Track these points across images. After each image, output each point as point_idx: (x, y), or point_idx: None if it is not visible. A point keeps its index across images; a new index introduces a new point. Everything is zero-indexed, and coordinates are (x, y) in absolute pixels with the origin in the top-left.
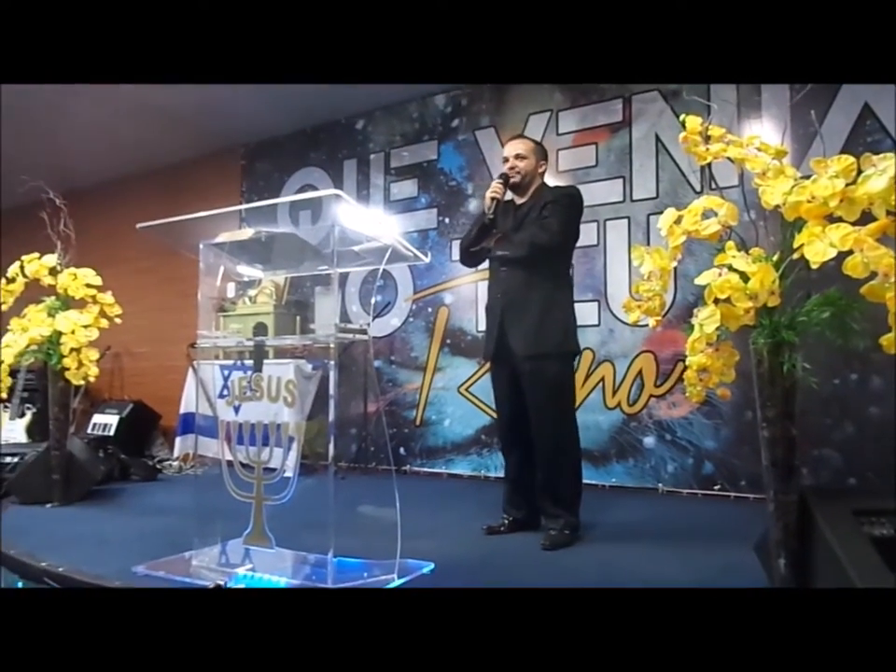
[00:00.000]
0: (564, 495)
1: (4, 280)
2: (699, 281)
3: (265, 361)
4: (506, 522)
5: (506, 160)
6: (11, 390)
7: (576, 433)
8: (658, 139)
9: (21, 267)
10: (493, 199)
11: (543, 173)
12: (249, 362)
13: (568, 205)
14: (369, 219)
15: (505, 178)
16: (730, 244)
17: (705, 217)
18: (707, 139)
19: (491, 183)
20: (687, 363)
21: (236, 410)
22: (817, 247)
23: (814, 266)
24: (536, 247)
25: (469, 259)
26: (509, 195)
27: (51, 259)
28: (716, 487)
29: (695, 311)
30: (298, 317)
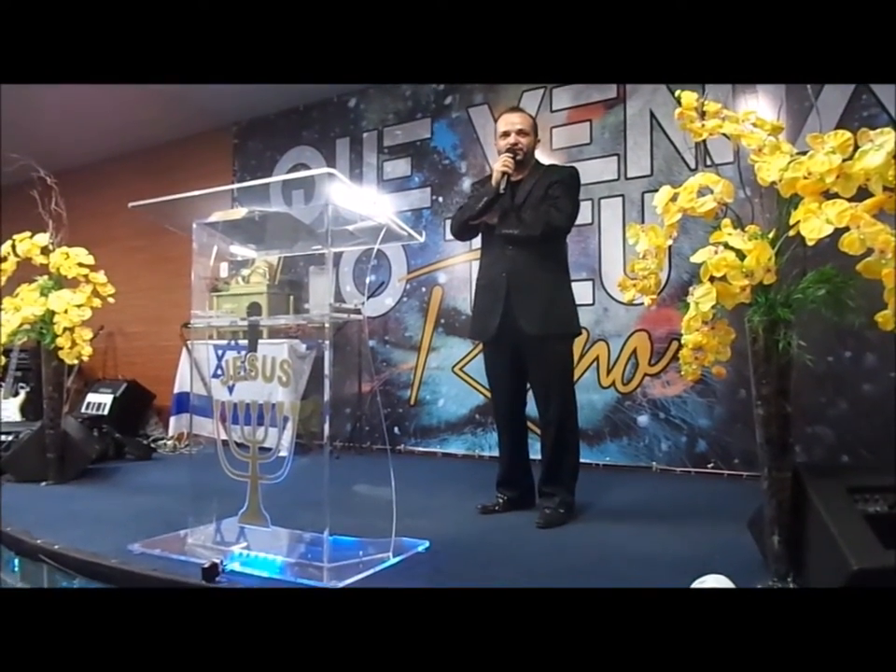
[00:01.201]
0: (563, 473)
1: None
2: (695, 259)
3: (259, 341)
4: (500, 501)
5: (506, 133)
6: (5, 369)
7: (577, 413)
8: (653, 116)
9: (13, 246)
10: (503, 173)
11: (536, 149)
12: (243, 342)
13: (575, 186)
14: (362, 199)
15: (514, 153)
16: (726, 221)
17: (700, 194)
18: (703, 115)
19: (500, 158)
20: (682, 342)
21: (230, 389)
22: (813, 224)
23: (810, 243)
24: (552, 228)
25: (467, 233)
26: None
27: (43, 238)
28: (709, 465)
29: (691, 289)
30: (291, 297)
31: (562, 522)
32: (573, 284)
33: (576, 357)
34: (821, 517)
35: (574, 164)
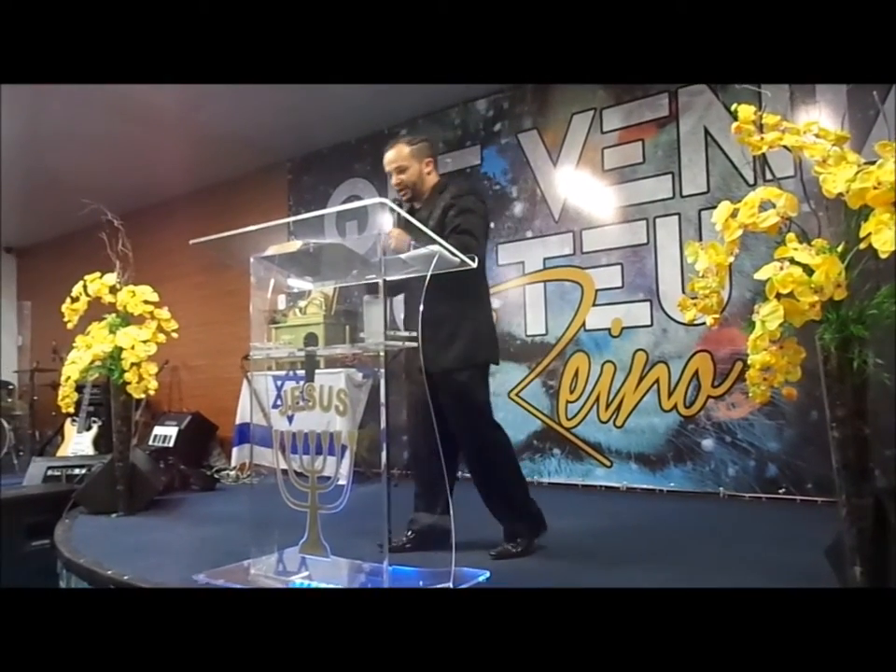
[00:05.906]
0: (498, 507)
1: (69, 299)
2: (759, 276)
3: (316, 371)
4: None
5: (390, 174)
6: (78, 405)
7: (496, 444)
8: (707, 132)
9: (84, 286)
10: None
11: (431, 171)
12: (301, 372)
13: (469, 207)
14: (414, 227)
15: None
16: (791, 235)
17: (761, 208)
18: (761, 128)
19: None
20: (749, 362)
21: (290, 419)
22: (886, 236)
23: (883, 256)
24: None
25: None
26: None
27: (111, 278)
28: (780, 491)
29: (756, 307)
30: (347, 327)
31: (509, 555)
32: (630, 305)
33: (635, 380)
34: None
35: (627, 184)
